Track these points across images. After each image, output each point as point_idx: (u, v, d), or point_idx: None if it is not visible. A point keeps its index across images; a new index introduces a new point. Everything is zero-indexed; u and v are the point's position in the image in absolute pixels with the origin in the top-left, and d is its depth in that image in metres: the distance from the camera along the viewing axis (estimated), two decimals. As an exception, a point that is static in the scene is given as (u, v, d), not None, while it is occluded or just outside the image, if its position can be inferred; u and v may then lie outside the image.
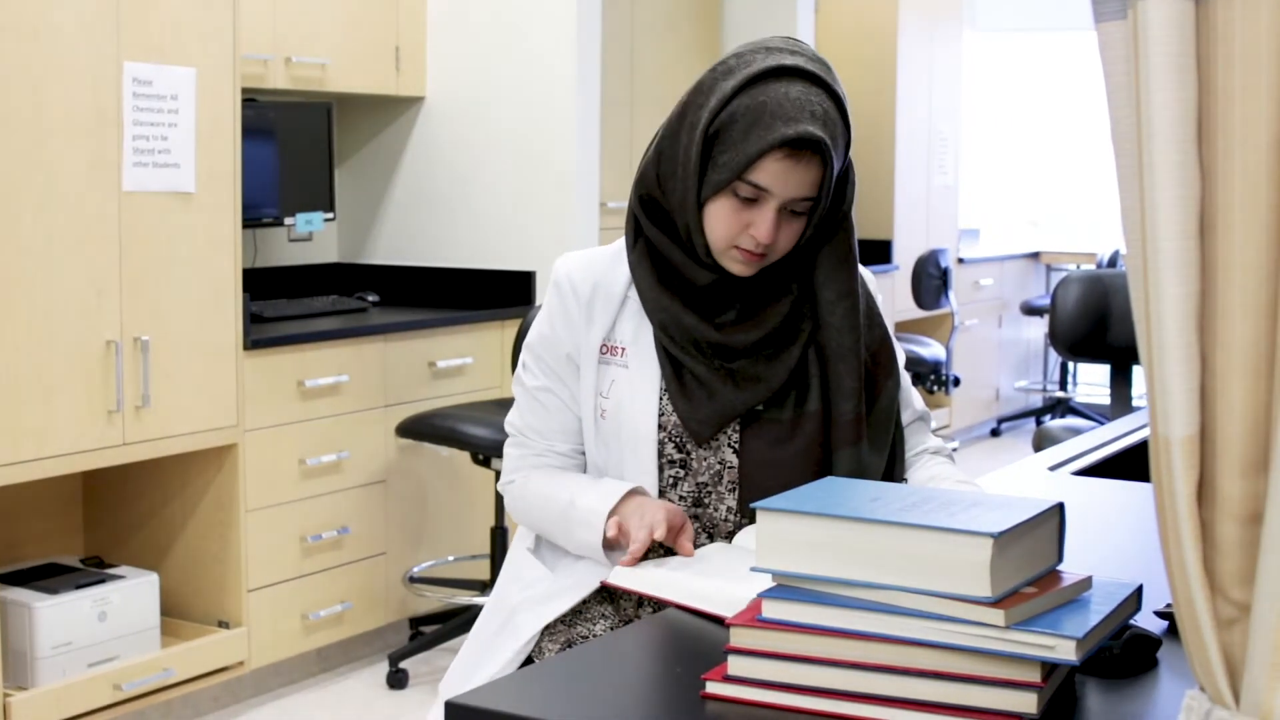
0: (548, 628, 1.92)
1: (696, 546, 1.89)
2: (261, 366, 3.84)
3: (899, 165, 7.13)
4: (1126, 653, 1.42)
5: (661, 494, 1.95)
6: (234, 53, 3.69)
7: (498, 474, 3.22)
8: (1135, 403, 4.07)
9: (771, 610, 1.33)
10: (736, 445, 1.94)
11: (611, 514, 1.88)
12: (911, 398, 2.07)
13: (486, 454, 4.04)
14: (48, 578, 3.58)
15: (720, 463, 1.94)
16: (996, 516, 1.30)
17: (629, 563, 1.82)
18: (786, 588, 1.35)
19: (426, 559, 4.40)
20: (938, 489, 1.54)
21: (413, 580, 4.33)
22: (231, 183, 3.70)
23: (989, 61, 9.01)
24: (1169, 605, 1.56)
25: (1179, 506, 0.99)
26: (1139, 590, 1.45)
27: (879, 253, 7.06)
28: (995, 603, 1.25)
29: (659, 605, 1.75)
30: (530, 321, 3.54)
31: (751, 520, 1.91)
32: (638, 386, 1.95)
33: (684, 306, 1.92)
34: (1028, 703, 1.25)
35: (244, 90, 3.81)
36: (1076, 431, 3.91)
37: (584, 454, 2.02)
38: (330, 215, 4.59)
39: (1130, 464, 2.57)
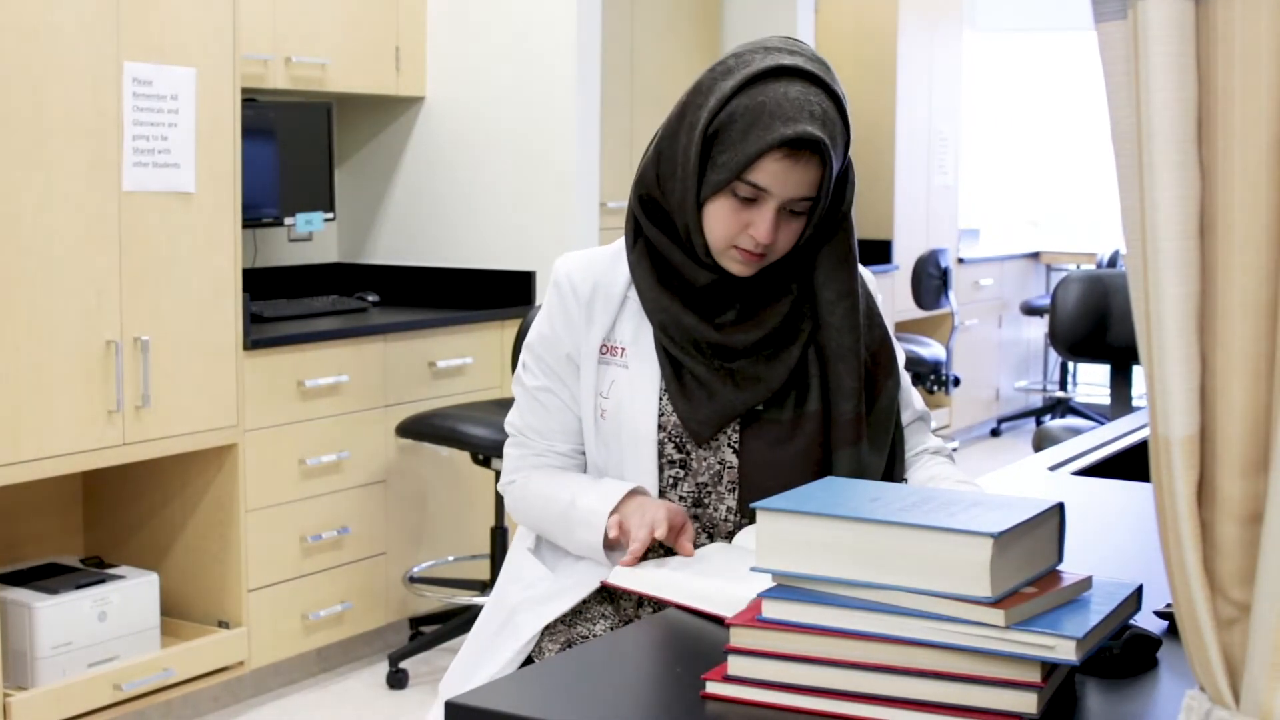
0: (548, 628, 1.92)
1: (696, 546, 1.89)
2: (261, 366, 3.84)
3: (899, 165, 7.13)
4: (1126, 653, 1.42)
5: (662, 494, 1.95)
6: (234, 53, 3.69)
7: (498, 474, 3.22)
8: (1135, 403, 4.07)
9: (771, 610, 1.33)
10: (736, 445, 1.94)
11: (612, 514, 1.88)
12: (911, 398, 2.07)
13: (486, 454, 4.04)
14: (48, 578, 3.58)
15: (720, 463, 1.94)
16: (996, 516, 1.30)
17: (629, 562, 1.82)
18: (786, 588, 1.35)
19: (426, 559, 4.40)
20: (938, 489, 1.54)
21: (413, 580, 4.33)
22: (231, 183, 3.70)
23: (989, 61, 9.01)
24: (1169, 605, 1.56)
25: (1179, 506, 0.99)
26: (1139, 590, 1.45)
27: (879, 253, 7.06)
28: (995, 603, 1.25)
29: (659, 605, 1.75)
30: (530, 321, 3.54)
31: (751, 520, 1.91)
32: (638, 387, 1.95)
33: (684, 307, 1.92)
34: (1028, 703, 1.25)
35: (244, 90, 3.81)
36: (1076, 431, 3.91)
37: (584, 454, 2.02)
38: (330, 215, 4.59)
39: (1130, 464, 2.57)
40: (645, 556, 1.85)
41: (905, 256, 7.14)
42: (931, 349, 6.71)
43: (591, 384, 1.98)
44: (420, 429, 4.11)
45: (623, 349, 1.97)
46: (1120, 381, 4.06)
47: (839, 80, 1.87)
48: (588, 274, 1.99)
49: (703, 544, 1.93)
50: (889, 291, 6.80)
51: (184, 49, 3.56)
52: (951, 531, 1.27)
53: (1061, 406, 8.33)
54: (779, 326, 1.93)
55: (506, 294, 4.67)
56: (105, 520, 3.96)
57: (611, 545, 1.89)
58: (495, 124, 4.67)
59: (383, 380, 4.22)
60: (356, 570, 4.18)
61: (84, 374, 3.37)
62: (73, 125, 3.31)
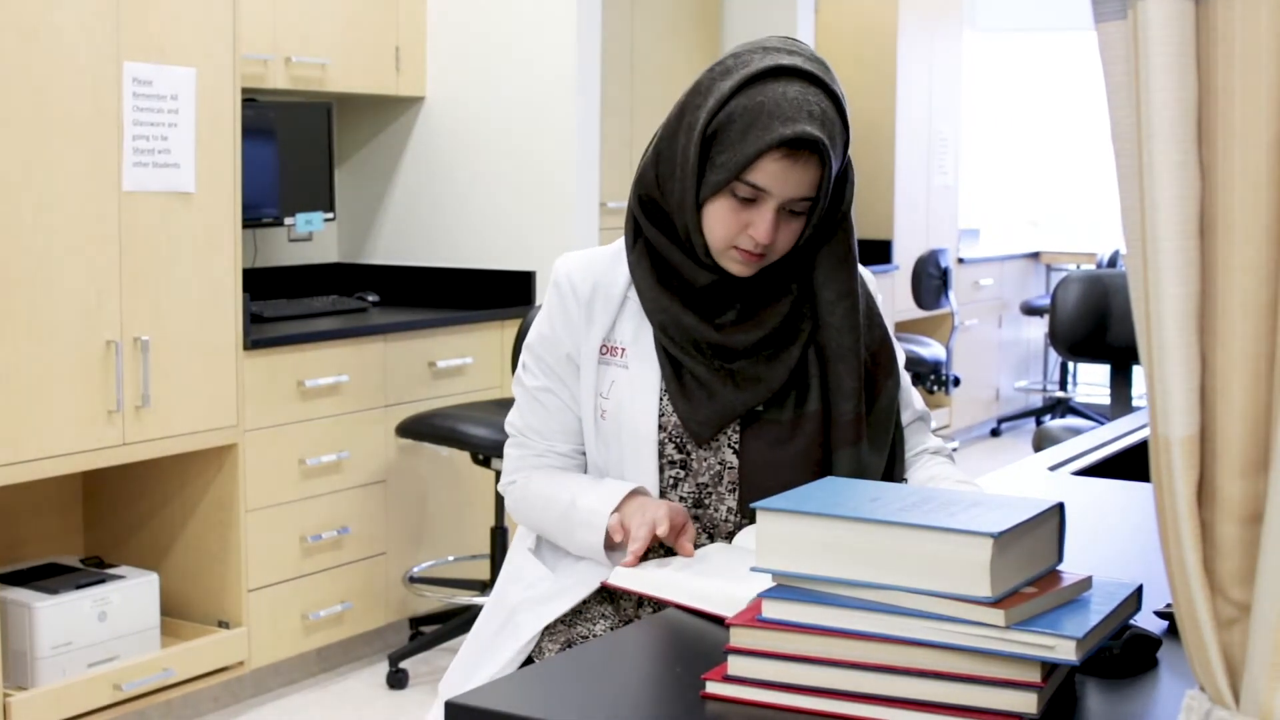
0: (548, 628, 1.92)
1: (697, 547, 1.89)
2: (261, 366, 3.84)
3: (899, 165, 7.13)
4: (1126, 653, 1.42)
5: (662, 494, 1.95)
6: (234, 53, 3.69)
7: (498, 474, 3.22)
8: (1135, 403, 4.07)
9: (771, 610, 1.33)
10: (736, 446, 1.94)
11: (613, 514, 1.88)
12: (911, 398, 2.06)
13: (486, 454, 4.04)
14: (48, 578, 3.58)
15: (720, 463, 1.94)
16: (996, 516, 1.30)
17: (630, 563, 1.82)
18: (786, 588, 1.35)
19: (426, 559, 4.40)
20: (938, 489, 1.54)
21: (413, 580, 4.33)
22: (231, 183, 3.70)
23: (989, 61, 9.01)
24: (1169, 605, 1.56)
25: (1179, 506, 0.99)
26: (1139, 590, 1.45)
27: (879, 253, 7.06)
28: (995, 603, 1.25)
29: (659, 605, 1.75)
30: (530, 321, 3.55)
31: (752, 520, 1.91)
32: (638, 387, 1.95)
33: (683, 307, 1.92)
34: (1028, 703, 1.25)
35: (244, 90, 3.81)
36: (1076, 431, 3.91)
37: (584, 454, 2.02)
38: (330, 215, 4.59)
39: (1130, 464, 2.57)
40: (645, 557, 1.85)
41: (905, 256, 7.14)
42: (931, 349, 6.71)
43: (591, 384, 1.98)
44: (420, 429, 4.11)
45: (623, 349, 1.97)
46: (1120, 381, 4.06)
47: (838, 80, 1.87)
48: (588, 274, 1.99)
49: (703, 544, 1.93)
50: (889, 291, 6.80)
51: (184, 49, 3.56)
52: (951, 531, 1.27)
53: (1061, 406, 8.33)
54: (779, 327, 1.93)
55: (506, 294, 4.67)
56: (105, 520, 3.96)
57: (612, 546, 1.89)
58: (495, 124, 4.67)
59: (383, 380, 4.22)
60: (356, 570, 4.18)
61: (84, 374, 3.37)
62: (73, 125, 3.31)
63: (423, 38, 4.72)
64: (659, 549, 1.89)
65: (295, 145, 4.43)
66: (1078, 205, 9.03)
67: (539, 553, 2.03)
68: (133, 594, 3.60)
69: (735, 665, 1.34)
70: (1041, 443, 4.06)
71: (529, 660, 1.92)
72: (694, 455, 1.95)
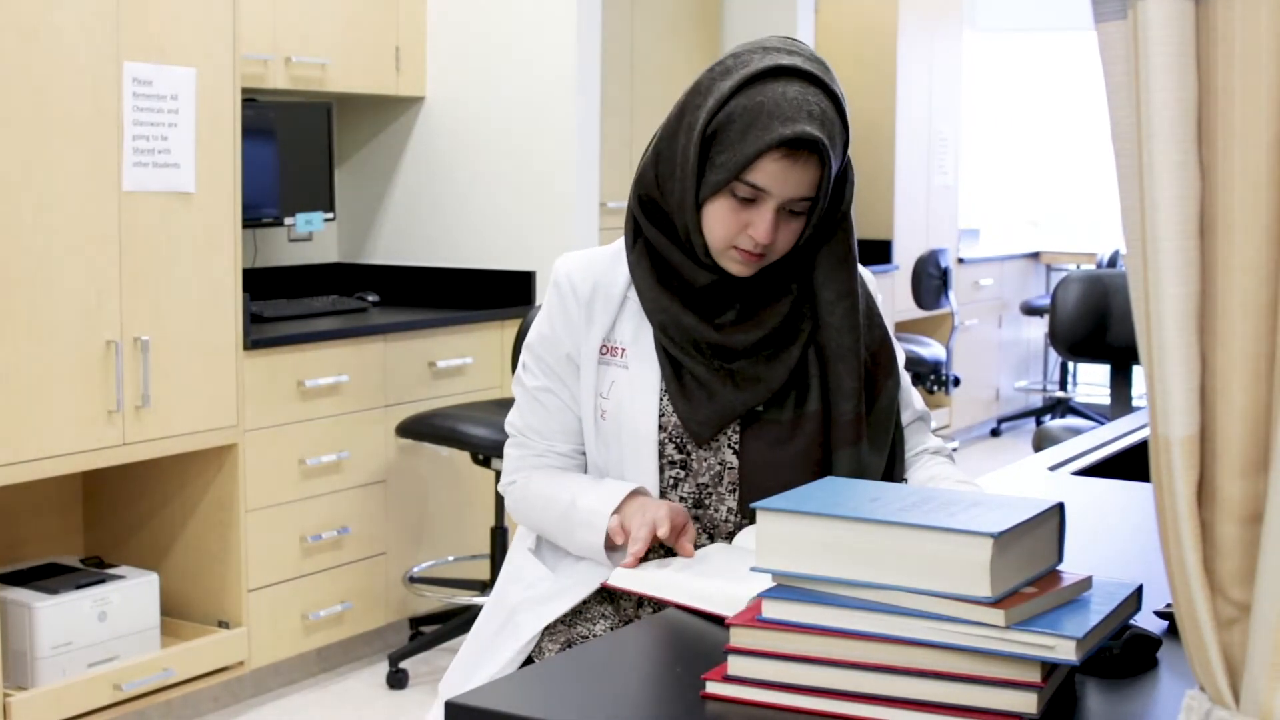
0: (548, 628, 1.92)
1: (697, 547, 1.89)
2: (261, 366, 3.84)
3: (899, 165, 7.13)
4: (1126, 653, 1.42)
5: (662, 495, 1.95)
6: (234, 53, 3.69)
7: (498, 474, 3.22)
8: (1135, 403, 4.07)
9: (771, 610, 1.33)
10: (736, 446, 1.94)
11: (613, 515, 1.88)
12: (911, 398, 2.06)
13: (486, 454, 4.04)
14: (48, 578, 3.58)
15: (720, 463, 1.94)
16: (996, 516, 1.30)
17: (630, 564, 1.82)
18: (786, 588, 1.35)
19: (426, 559, 4.40)
20: (938, 489, 1.54)
21: (413, 580, 4.33)
22: (231, 183, 3.70)
23: (989, 61, 9.01)
24: (1169, 605, 1.56)
25: (1179, 506, 0.99)
26: (1139, 590, 1.45)
27: (879, 253, 7.06)
28: (995, 603, 1.25)
29: (659, 605, 1.75)
30: (530, 321, 3.54)
31: (752, 521, 1.91)
32: (638, 387, 1.95)
33: (683, 307, 1.92)
34: (1028, 703, 1.25)
35: (244, 90, 3.81)
36: (1076, 431, 3.91)
37: (585, 454, 2.02)
38: (330, 215, 4.59)
39: (1130, 464, 2.57)
40: (646, 557, 1.85)
41: (905, 256, 7.14)
42: (931, 349, 6.71)
43: (591, 384, 1.98)
44: (420, 429, 4.11)
45: (623, 349, 1.97)
46: (1120, 381, 4.06)
47: (838, 80, 1.87)
48: (587, 274, 1.99)
49: (703, 545, 1.93)
50: (889, 291, 6.80)
51: (184, 49, 3.56)
52: (951, 531, 1.27)
53: (1061, 406, 8.33)
54: (779, 327, 1.93)
55: (506, 294, 4.67)
56: (105, 520, 3.96)
57: (612, 546, 1.89)
58: (495, 124, 4.67)
59: (383, 380, 4.22)
60: (356, 570, 4.18)
61: (84, 374, 3.37)
62: (73, 125, 3.31)
63: (423, 38, 4.72)
64: (659, 549, 1.89)
65: (295, 145, 4.43)
66: (1078, 205, 9.03)
67: (539, 553, 2.03)
68: (133, 594, 3.60)
69: (735, 665, 1.34)
70: (1041, 443, 4.06)
71: (529, 660, 1.92)
72: (694, 455, 1.95)
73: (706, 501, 1.95)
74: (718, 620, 1.60)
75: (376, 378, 4.19)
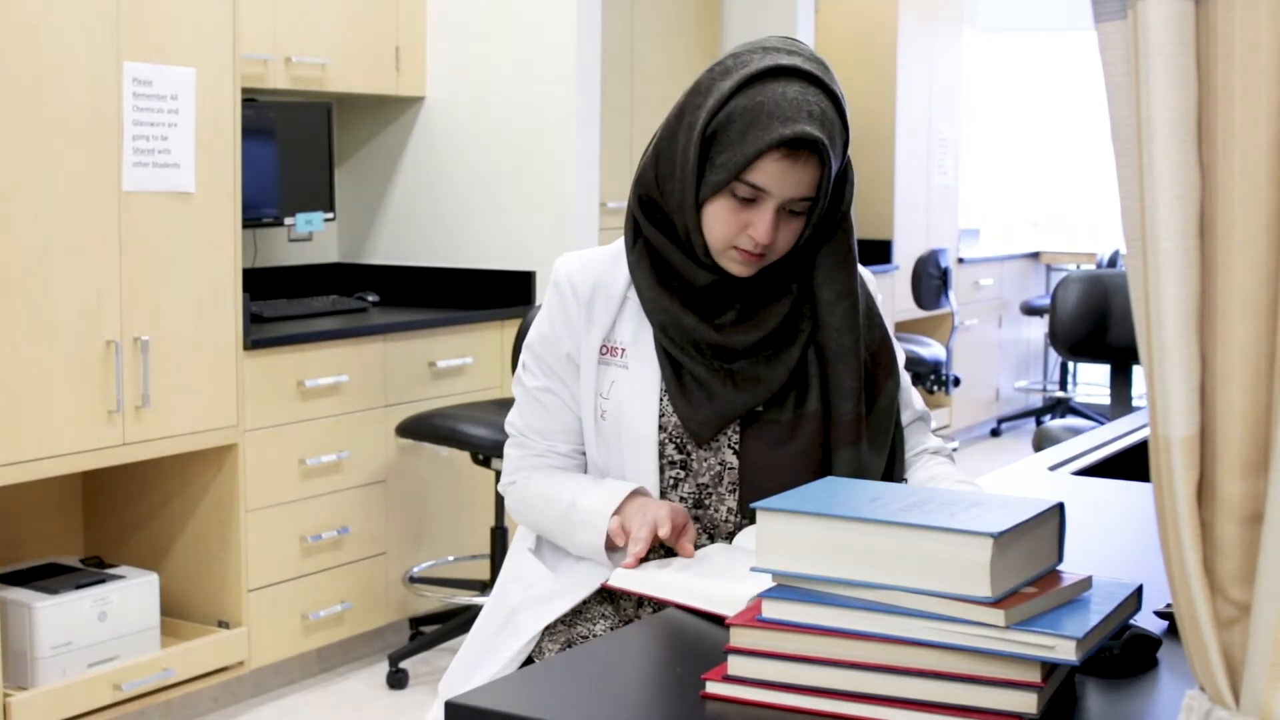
0: (548, 628, 1.92)
1: (697, 547, 1.89)
2: (261, 366, 3.84)
3: (899, 165, 7.13)
4: (1126, 653, 1.42)
5: (662, 495, 1.95)
6: (234, 53, 3.69)
7: (498, 474, 3.22)
8: (1135, 403, 4.07)
9: (771, 610, 1.33)
10: (736, 446, 1.94)
11: (614, 515, 1.88)
12: (911, 398, 2.06)
13: (486, 454, 4.04)
14: (48, 578, 3.58)
15: (720, 464, 1.94)
16: (996, 516, 1.30)
17: (631, 564, 1.82)
18: (786, 588, 1.35)
19: (426, 559, 4.40)
20: (938, 489, 1.54)
21: (413, 580, 4.33)
22: (231, 183, 3.70)
23: (989, 61, 9.01)
24: (1169, 605, 1.56)
25: (1179, 506, 0.99)
26: (1139, 590, 1.45)
27: (879, 253, 7.06)
28: (995, 603, 1.25)
29: (659, 605, 1.75)
30: (530, 321, 3.54)
31: (752, 521, 1.91)
32: (637, 387, 1.95)
33: (683, 307, 1.92)
34: (1028, 703, 1.25)
35: (244, 90, 3.81)
36: (1076, 431, 3.91)
37: (585, 454, 2.02)
38: (330, 215, 4.59)
39: (1130, 464, 2.57)
40: (646, 557, 1.85)
41: (905, 256, 7.14)
42: (931, 349, 6.71)
43: (591, 384, 1.98)
44: (420, 429, 4.11)
45: (623, 349, 1.97)
46: (1120, 381, 4.06)
47: (838, 80, 1.87)
48: (587, 274, 1.99)
49: (703, 545, 1.93)
50: (889, 291, 6.80)
51: (184, 49, 3.56)
52: (951, 531, 1.27)
53: (1061, 406, 8.33)
54: (779, 327, 1.93)
55: (506, 294, 4.67)
56: (105, 520, 3.96)
57: (613, 546, 1.89)
58: (495, 124, 4.67)
59: (383, 380, 4.22)
60: (356, 570, 4.18)
61: (84, 374, 3.37)
62: (73, 125, 3.31)
63: (423, 38, 4.72)
64: (659, 549, 1.89)
65: (295, 145, 4.43)
66: (1078, 205, 9.03)
67: (539, 553, 2.03)
68: (133, 594, 3.60)
69: (735, 665, 1.34)
70: (1041, 443, 4.06)
71: (529, 660, 1.92)
72: (694, 456, 1.95)
73: (706, 502, 1.95)
74: (718, 620, 1.60)
75: (376, 378, 4.19)
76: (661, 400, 1.94)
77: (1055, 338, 4.16)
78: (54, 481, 3.81)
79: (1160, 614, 1.57)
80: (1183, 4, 0.96)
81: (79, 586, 3.53)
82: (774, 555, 1.35)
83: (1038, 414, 8.33)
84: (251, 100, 4.12)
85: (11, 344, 3.22)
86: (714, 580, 1.70)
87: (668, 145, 1.90)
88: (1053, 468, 2.49)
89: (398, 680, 4.08)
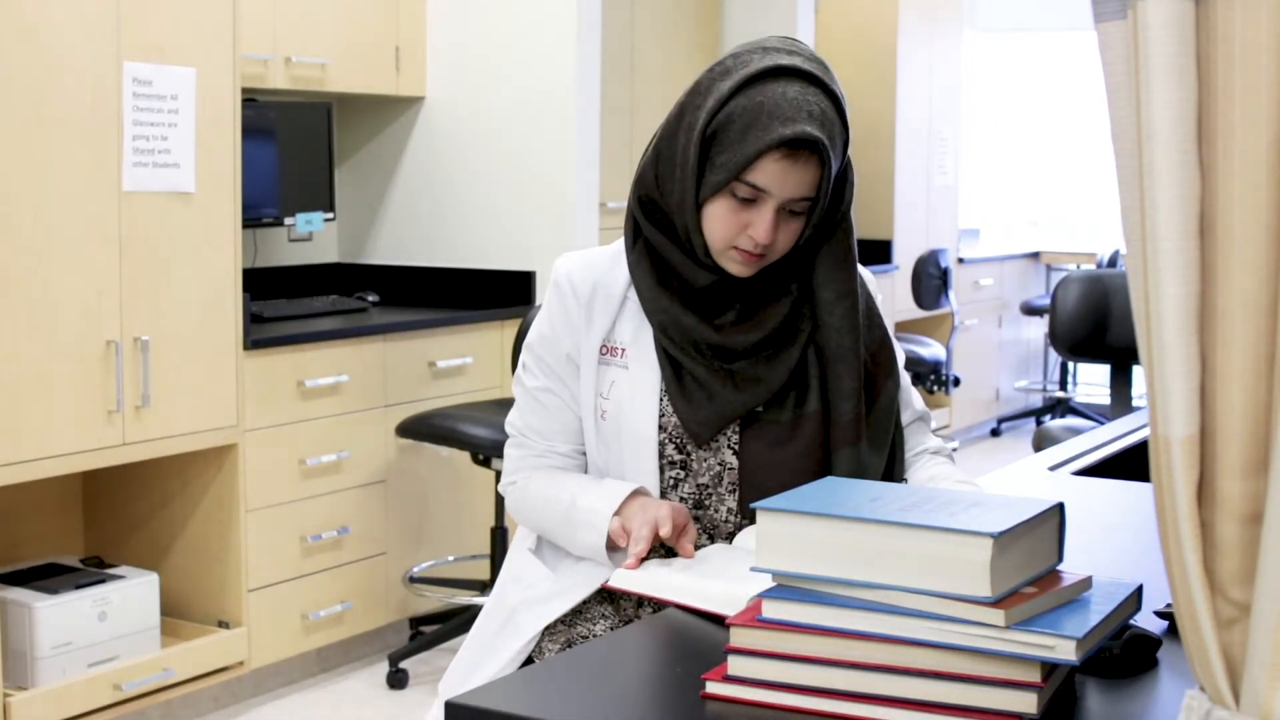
0: (548, 628, 1.92)
1: (697, 548, 1.89)
2: (261, 366, 3.84)
3: (899, 165, 7.13)
4: (1126, 653, 1.42)
5: (662, 495, 1.95)
6: (234, 53, 3.69)
7: (498, 474, 3.22)
8: (1135, 403, 4.07)
9: (771, 610, 1.33)
10: (736, 446, 1.94)
11: (614, 515, 1.88)
12: (911, 398, 2.06)
13: (486, 454, 4.04)
14: (48, 578, 3.58)
15: (720, 464, 1.94)
16: (996, 516, 1.30)
17: (632, 565, 1.82)
18: (786, 588, 1.35)
19: (426, 559, 4.40)
20: (938, 489, 1.54)
21: (413, 580, 4.33)
22: (231, 183, 3.70)
23: (989, 61, 9.01)
24: (1169, 605, 1.56)
25: (1179, 506, 0.99)
26: (1139, 590, 1.45)
27: (879, 253, 7.06)
28: (995, 603, 1.25)
29: (659, 605, 1.75)
30: (530, 321, 3.54)
31: (752, 521, 1.91)
32: (637, 388, 1.95)
33: (683, 307, 1.92)
34: (1028, 703, 1.25)
35: (244, 90, 3.81)
36: (1076, 431, 3.91)
37: (585, 454, 2.02)
38: (330, 215, 4.59)
39: (1130, 464, 2.57)
40: (646, 557, 1.85)
41: (905, 256, 7.14)
42: (931, 349, 6.71)
43: (591, 384, 1.98)
44: (420, 429, 4.11)
45: (623, 349, 1.97)
46: (1120, 381, 4.06)
47: (837, 80, 1.87)
48: (587, 274, 1.99)
49: (703, 545, 1.93)
50: (889, 291, 6.80)
51: (184, 49, 3.56)
52: (951, 531, 1.27)
53: (1061, 406, 8.33)
54: (778, 327, 1.93)
55: (506, 294, 4.67)
56: (105, 520, 3.96)
57: (613, 547, 1.89)
58: (495, 124, 4.67)
59: (383, 380, 4.22)
60: (356, 570, 4.18)
61: (84, 374, 3.37)
62: (73, 125, 3.31)
63: (423, 38, 4.72)
64: (659, 549, 1.89)
65: (295, 145, 4.43)
66: (1078, 205, 9.03)
67: (539, 553, 2.03)
68: (133, 594, 3.60)
69: (735, 665, 1.34)
70: (1041, 443, 4.06)
71: (529, 660, 1.92)
72: (694, 456, 1.95)
73: (706, 502, 1.95)
74: (718, 620, 1.60)
75: (376, 378, 4.19)
76: (661, 400, 1.94)
77: (1055, 338, 4.16)
78: (54, 481, 3.81)
79: (1160, 614, 1.57)
80: (1183, 4, 0.96)
81: (79, 586, 3.53)
82: (774, 555, 1.35)
83: (1038, 414, 8.33)
84: (251, 100, 4.12)
85: (11, 344, 3.22)
86: (714, 580, 1.70)
87: (668, 145, 1.90)
88: (1053, 468, 2.49)
89: (398, 680, 4.08)
